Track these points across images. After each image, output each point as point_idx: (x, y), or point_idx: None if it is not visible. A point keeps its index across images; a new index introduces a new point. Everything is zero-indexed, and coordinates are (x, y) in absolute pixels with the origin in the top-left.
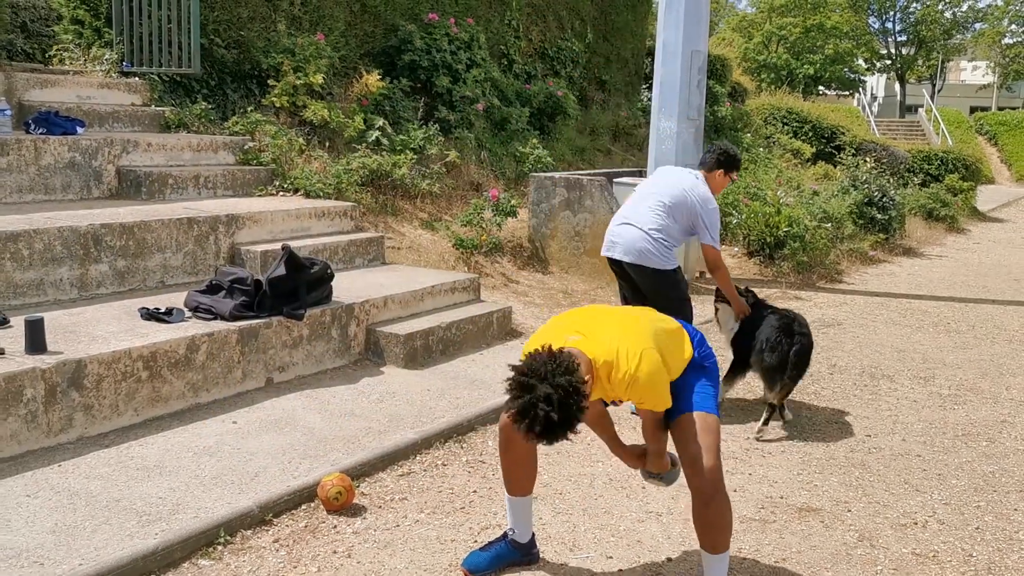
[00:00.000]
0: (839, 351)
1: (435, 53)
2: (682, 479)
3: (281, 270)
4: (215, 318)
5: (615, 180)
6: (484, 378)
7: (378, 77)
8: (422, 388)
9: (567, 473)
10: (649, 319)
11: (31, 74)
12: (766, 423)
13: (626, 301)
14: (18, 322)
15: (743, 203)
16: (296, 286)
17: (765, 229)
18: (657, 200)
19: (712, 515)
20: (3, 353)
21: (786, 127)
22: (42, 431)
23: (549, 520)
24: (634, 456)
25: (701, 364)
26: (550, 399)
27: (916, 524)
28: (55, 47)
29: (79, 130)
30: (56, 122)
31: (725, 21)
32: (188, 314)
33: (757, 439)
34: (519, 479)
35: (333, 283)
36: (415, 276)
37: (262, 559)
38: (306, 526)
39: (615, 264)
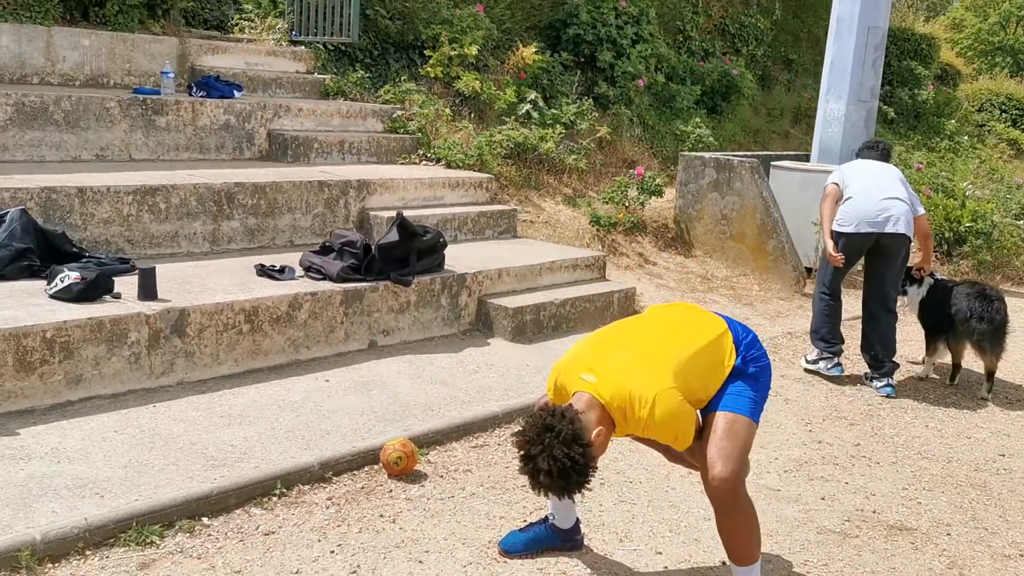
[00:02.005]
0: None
1: (600, 28)
2: None
3: (393, 235)
4: (324, 279)
5: (774, 164)
6: None
7: (534, 50)
8: (521, 363)
9: (645, 463)
10: (681, 338)
11: (205, 41)
12: (989, 391)
13: (871, 279)
14: None
15: (924, 194)
16: (407, 252)
17: (944, 223)
18: (896, 178)
19: (734, 525)
20: (119, 297)
21: (1004, 115)
22: (144, 373)
23: (609, 508)
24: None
25: (743, 369)
26: (550, 472)
27: (1022, 556)
28: (237, 16)
29: (236, 94)
30: (215, 86)
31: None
32: (300, 273)
33: (984, 399)
34: None
35: (453, 253)
36: (540, 251)
37: (310, 514)
38: (363, 488)
39: (866, 241)
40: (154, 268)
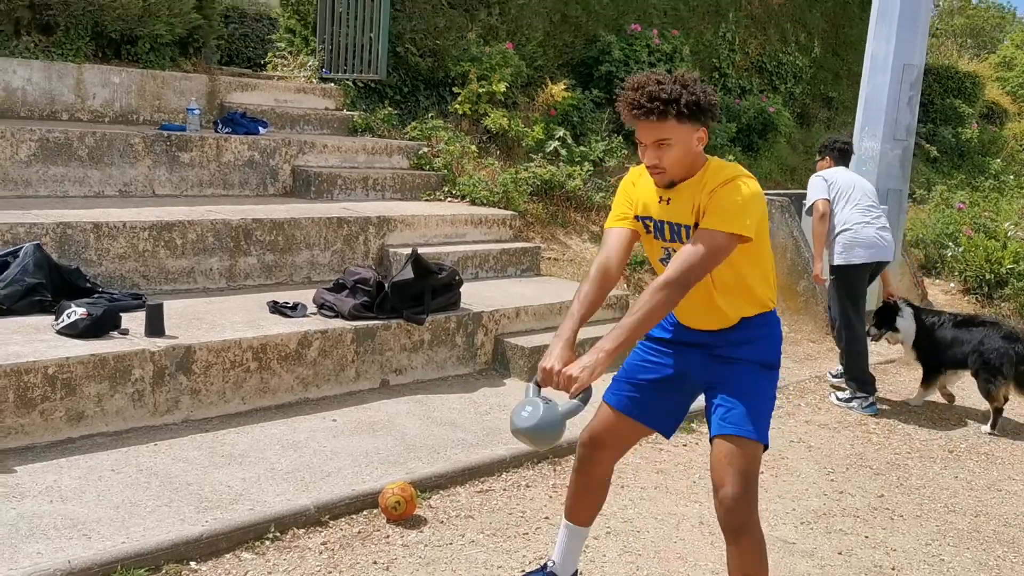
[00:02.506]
0: None
1: (633, 65)
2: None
3: (408, 273)
4: (336, 316)
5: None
6: None
7: (563, 87)
8: None
9: (655, 511)
10: None
11: (235, 78)
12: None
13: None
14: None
15: (964, 234)
16: (422, 290)
17: (985, 265)
18: (875, 196)
19: (743, 551)
20: (126, 333)
21: None
22: (148, 410)
23: (613, 558)
24: (567, 349)
25: (771, 361)
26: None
27: None
28: (270, 54)
29: (261, 130)
30: (240, 122)
31: (1009, 37)
32: (313, 310)
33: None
34: (584, 505)
35: (472, 290)
36: (561, 289)
37: (303, 559)
38: (359, 532)
39: (869, 268)
40: (161, 304)
